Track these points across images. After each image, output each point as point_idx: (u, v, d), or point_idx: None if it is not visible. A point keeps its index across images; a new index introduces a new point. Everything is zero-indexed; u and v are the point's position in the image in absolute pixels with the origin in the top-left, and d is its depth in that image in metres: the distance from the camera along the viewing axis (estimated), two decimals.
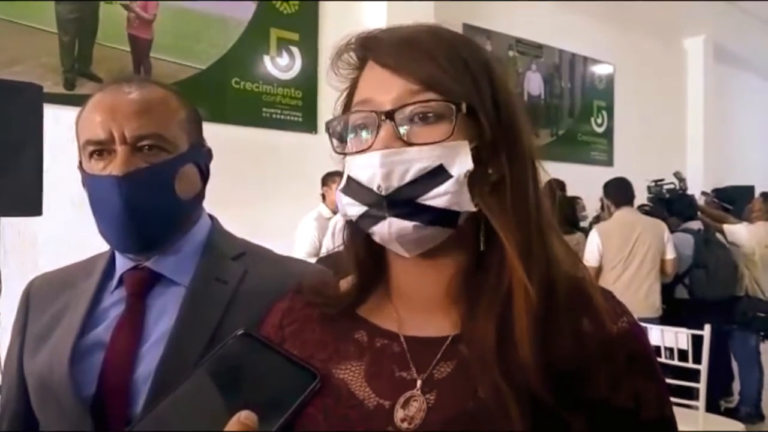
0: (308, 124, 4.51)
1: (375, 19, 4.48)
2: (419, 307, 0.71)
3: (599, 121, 6.91)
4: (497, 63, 0.71)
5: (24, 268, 2.71)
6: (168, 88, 0.97)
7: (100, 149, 0.89)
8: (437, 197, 0.64)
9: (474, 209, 0.65)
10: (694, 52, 7.79)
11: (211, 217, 1.04)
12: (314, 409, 0.68)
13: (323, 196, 4.11)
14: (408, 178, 0.63)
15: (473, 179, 0.65)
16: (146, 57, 3.88)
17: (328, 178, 4.05)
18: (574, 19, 6.33)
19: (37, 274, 1.05)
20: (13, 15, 3.40)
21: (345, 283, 0.77)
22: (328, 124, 0.71)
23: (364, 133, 0.68)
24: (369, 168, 0.64)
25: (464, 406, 0.63)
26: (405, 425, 0.64)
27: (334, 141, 0.71)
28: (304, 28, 4.55)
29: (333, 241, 3.53)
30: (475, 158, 0.65)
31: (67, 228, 3.06)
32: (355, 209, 0.67)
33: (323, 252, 3.61)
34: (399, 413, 0.65)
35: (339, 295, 0.76)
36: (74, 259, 1.06)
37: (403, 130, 0.65)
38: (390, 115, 0.64)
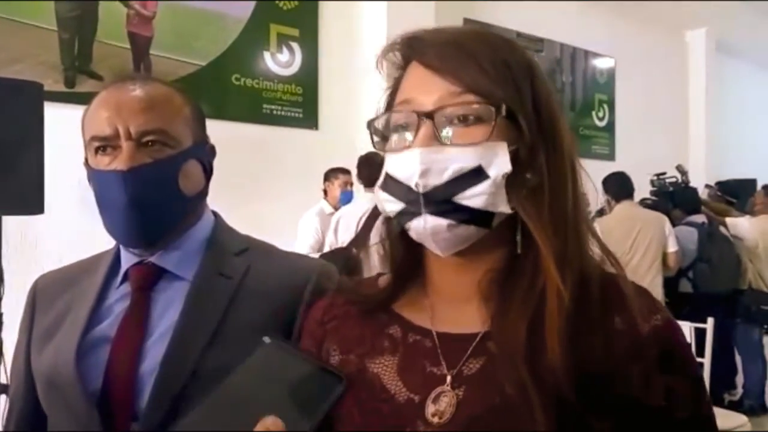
0: (309, 120, 4.51)
1: (375, 13, 4.47)
2: (452, 303, 0.72)
3: (601, 114, 6.90)
4: (538, 65, 0.72)
5: (26, 267, 2.71)
6: (172, 85, 0.99)
7: (106, 145, 0.90)
8: (474, 197, 0.65)
9: (510, 211, 0.66)
10: (695, 45, 7.75)
11: (214, 213, 1.05)
12: (349, 401, 0.70)
13: (325, 192, 4.12)
14: (446, 177, 0.64)
15: (511, 182, 0.65)
16: (146, 54, 3.88)
17: (331, 174, 4.06)
18: (574, 13, 6.32)
19: (40, 272, 1.06)
20: (13, 13, 3.40)
21: (383, 281, 0.79)
22: (369, 123, 0.73)
23: (405, 133, 0.69)
24: (408, 165, 0.66)
25: (492, 402, 0.64)
26: (436, 420, 0.66)
27: (375, 138, 0.73)
28: (304, 24, 4.54)
29: (336, 238, 3.55)
30: (514, 161, 0.65)
31: (69, 226, 3.06)
32: (392, 206, 0.69)
33: (326, 248, 3.61)
34: (430, 408, 0.66)
35: (376, 292, 0.77)
36: (76, 256, 1.07)
37: (442, 130, 0.66)
38: (430, 115, 0.66)
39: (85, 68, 3.64)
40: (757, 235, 4.46)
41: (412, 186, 0.65)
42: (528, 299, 0.65)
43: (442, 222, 0.65)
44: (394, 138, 0.70)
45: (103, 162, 0.90)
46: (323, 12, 4.63)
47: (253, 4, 4.32)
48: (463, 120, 0.66)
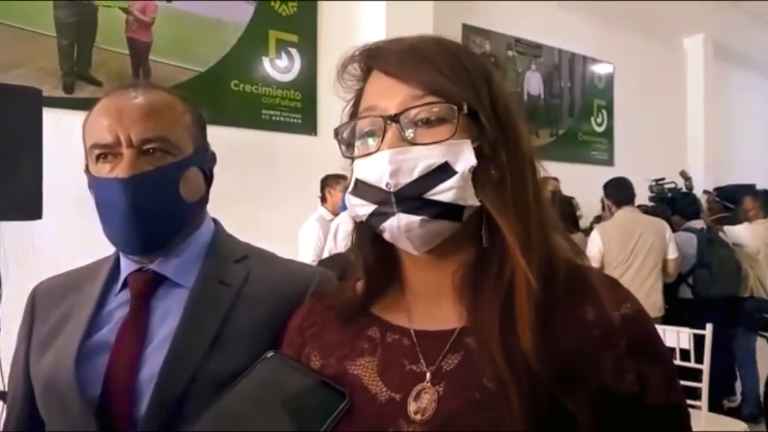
0: (307, 126, 4.51)
1: (374, 19, 4.47)
2: (428, 301, 0.74)
3: (599, 120, 6.91)
4: (495, 71, 0.75)
5: (24, 273, 2.70)
6: (173, 93, 0.99)
7: (107, 152, 0.90)
8: (443, 192, 0.67)
9: (478, 203, 0.69)
10: (693, 51, 7.78)
11: (214, 220, 1.05)
12: None
13: (323, 198, 4.11)
14: (415, 174, 0.67)
15: (476, 177, 0.68)
16: (145, 60, 3.88)
17: (330, 179, 4.05)
18: (573, 19, 6.33)
19: (38, 278, 1.06)
20: (11, 19, 3.40)
21: (360, 286, 0.80)
22: (336, 131, 0.75)
23: (370, 139, 0.71)
24: (377, 167, 0.68)
25: (472, 397, 0.65)
26: (418, 417, 0.67)
27: (343, 147, 0.75)
28: (303, 30, 4.55)
29: (335, 243, 3.54)
30: (478, 157, 0.68)
31: (67, 232, 3.06)
32: (364, 209, 0.70)
33: (325, 254, 3.60)
34: (412, 406, 0.68)
35: (354, 296, 0.79)
36: (75, 262, 1.07)
37: (407, 132, 0.68)
38: (395, 118, 0.68)
39: (83, 74, 3.64)
40: (758, 241, 4.46)
41: (383, 186, 0.67)
42: (497, 288, 0.67)
43: (415, 219, 0.67)
44: (360, 144, 0.73)
45: (104, 169, 0.90)
46: (322, 18, 4.63)
47: (252, 9, 4.32)
48: (427, 121, 0.68)
